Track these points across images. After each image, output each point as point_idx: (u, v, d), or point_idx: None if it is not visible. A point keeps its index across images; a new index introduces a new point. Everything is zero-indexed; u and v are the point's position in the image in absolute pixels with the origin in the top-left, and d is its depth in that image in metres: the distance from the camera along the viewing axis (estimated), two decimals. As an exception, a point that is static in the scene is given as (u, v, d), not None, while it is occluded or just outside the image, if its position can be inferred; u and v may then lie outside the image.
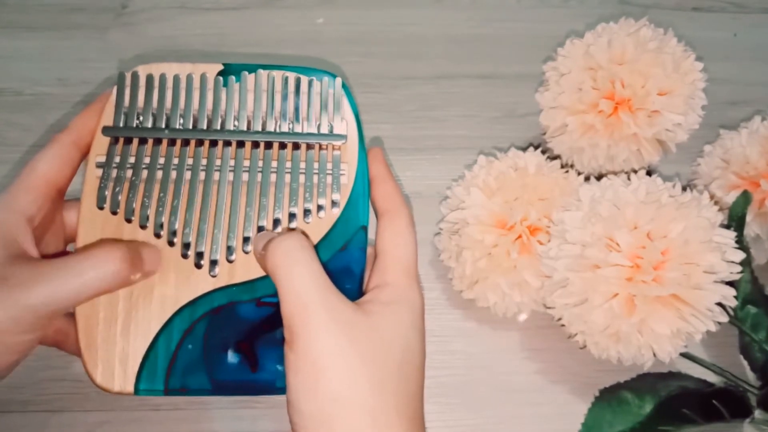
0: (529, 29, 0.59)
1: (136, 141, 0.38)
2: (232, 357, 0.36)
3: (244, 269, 0.36)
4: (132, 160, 0.38)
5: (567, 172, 0.46)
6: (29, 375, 0.44)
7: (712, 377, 0.44)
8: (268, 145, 0.38)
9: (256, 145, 0.38)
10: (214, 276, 0.36)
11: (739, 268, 0.39)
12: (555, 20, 0.59)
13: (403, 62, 0.57)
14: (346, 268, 0.37)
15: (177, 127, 0.38)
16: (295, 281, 0.31)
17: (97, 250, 0.33)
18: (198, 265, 0.36)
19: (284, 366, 0.31)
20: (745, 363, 0.44)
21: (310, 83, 0.39)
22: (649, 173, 0.43)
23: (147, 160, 0.38)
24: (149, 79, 0.39)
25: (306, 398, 0.30)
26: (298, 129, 0.39)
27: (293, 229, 0.37)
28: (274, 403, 0.43)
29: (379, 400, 0.30)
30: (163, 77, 0.39)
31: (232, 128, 0.38)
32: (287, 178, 0.38)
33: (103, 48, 0.57)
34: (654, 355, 0.39)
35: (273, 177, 0.38)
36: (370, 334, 0.31)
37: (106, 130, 0.38)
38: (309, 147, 0.38)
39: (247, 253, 0.36)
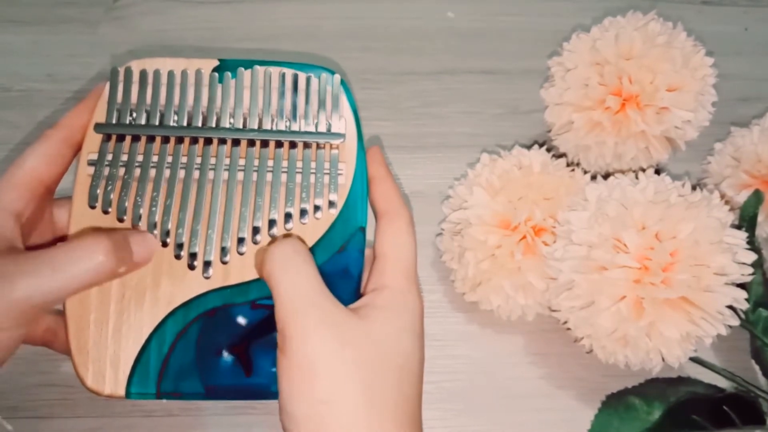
0: (534, 23, 0.58)
1: (128, 138, 0.37)
2: (226, 360, 0.35)
3: (239, 271, 0.36)
4: (124, 157, 0.37)
5: (573, 170, 0.46)
6: (17, 380, 0.43)
7: (722, 382, 0.44)
8: (264, 144, 0.38)
9: (251, 143, 0.38)
10: (207, 277, 0.36)
11: (751, 270, 0.38)
12: (560, 14, 0.59)
13: (403, 57, 0.57)
14: (344, 270, 0.36)
15: (171, 124, 0.38)
16: (288, 286, 0.31)
17: (83, 242, 0.33)
18: (191, 266, 0.36)
19: (277, 373, 0.31)
20: (756, 368, 0.44)
21: (307, 80, 0.39)
22: (657, 172, 0.43)
23: (140, 158, 0.37)
24: (143, 74, 0.38)
25: (298, 402, 0.30)
26: (295, 127, 0.38)
27: (289, 235, 0.36)
28: (270, 409, 0.42)
29: (372, 404, 0.30)
30: (157, 73, 0.38)
31: (227, 126, 0.38)
32: (283, 177, 0.37)
33: (94, 43, 0.56)
34: (663, 359, 0.39)
35: (269, 176, 0.37)
36: (364, 337, 0.31)
37: (98, 127, 0.37)
38: (306, 146, 0.38)
39: (241, 254, 0.36)
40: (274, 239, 0.36)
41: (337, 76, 0.39)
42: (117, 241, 0.33)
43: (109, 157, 0.37)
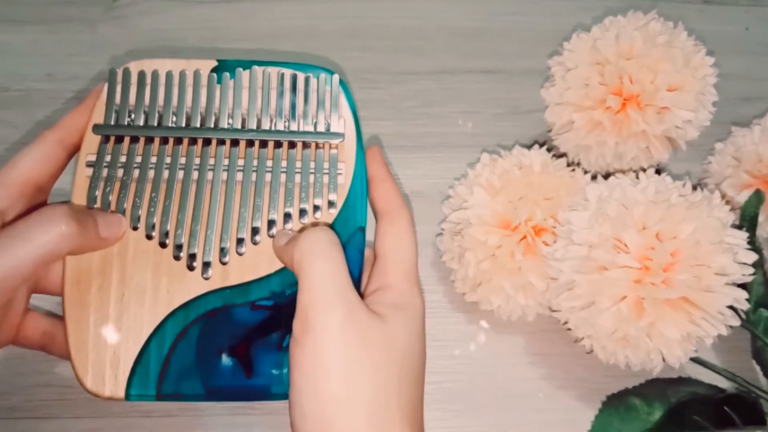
0: (534, 23, 0.58)
1: (127, 139, 0.37)
2: (226, 362, 0.35)
3: (238, 271, 0.36)
4: (123, 159, 0.37)
5: (573, 170, 0.46)
6: (16, 381, 0.43)
7: (723, 383, 0.44)
8: (263, 144, 0.37)
9: (250, 143, 0.37)
10: (207, 278, 0.35)
11: (752, 270, 0.38)
12: (561, 13, 0.58)
13: (403, 57, 0.57)
14: (344, 270, 0.36)
15: (169, 125, 0.38)
16: (319, 275, 0.31)
17: (42, 212, 0.33)
18: (190, 267, 0.36)
19: (289, 365, 0.30)
20: (757, 368, 0.44)
21: (306, 80, 0.38)
22: (658, 172, 0.43)
23: (138, 159, 0.37)
24: (141, 75, 0.38)
25: (309, 397, 0.29)
26: (294, 127, 0.38)
27: (318, 224, 0.36)
28: (270, 409, 0.43)
29: (381, 406, 0.30)
30: (155, 74, 0.38)
31: (226, 126, 0.38)
32: (282, 177, 0.37)
33: (93, 42, 0.56)
34: (663, 360, 0.39)
35: (268, 177, 0.37)
36: (381, 338, 0.31)
37: (96, 129, 0.37)
38: (305, 146, 0.38)
39: (241, 254, 0.36)
40: (302, 229, 0.36)
41: (336, 76, 0.39)
42: (80, 212, 0.33)
43: (108, 158, 0.37)
